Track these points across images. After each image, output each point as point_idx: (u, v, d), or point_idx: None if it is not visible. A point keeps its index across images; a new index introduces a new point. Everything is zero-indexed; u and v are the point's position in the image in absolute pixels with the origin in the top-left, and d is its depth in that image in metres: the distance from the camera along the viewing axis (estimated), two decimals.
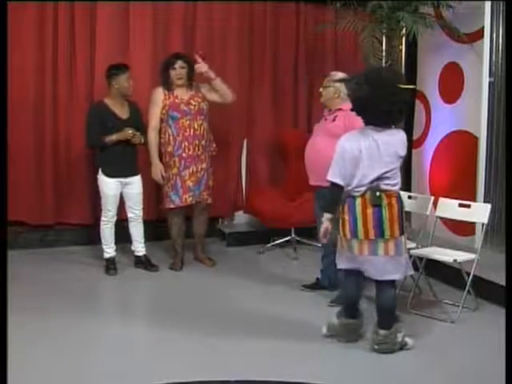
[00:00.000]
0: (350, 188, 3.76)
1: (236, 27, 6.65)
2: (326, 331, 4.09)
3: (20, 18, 5.87)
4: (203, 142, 5.53)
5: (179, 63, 5.44)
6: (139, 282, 5.34)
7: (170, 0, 6.38)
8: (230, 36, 6.64)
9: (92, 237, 6.17)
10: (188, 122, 5.44)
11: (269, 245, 6.41)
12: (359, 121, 4.37)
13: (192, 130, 5.46)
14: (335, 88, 4.74)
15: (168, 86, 5.47)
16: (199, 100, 5.51)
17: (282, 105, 6.96)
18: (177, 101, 5.45)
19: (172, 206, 5.52)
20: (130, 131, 5.23)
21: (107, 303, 5.00)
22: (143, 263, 5.57)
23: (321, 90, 4.85)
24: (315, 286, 5.04)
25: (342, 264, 3.95)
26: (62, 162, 6.23)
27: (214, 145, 5.70)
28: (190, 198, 5.49)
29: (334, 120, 4.74)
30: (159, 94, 5.50)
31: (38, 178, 6.14)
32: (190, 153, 5.46)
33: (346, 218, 3.77)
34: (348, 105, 4.70)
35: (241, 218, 6.89)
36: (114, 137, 5.20)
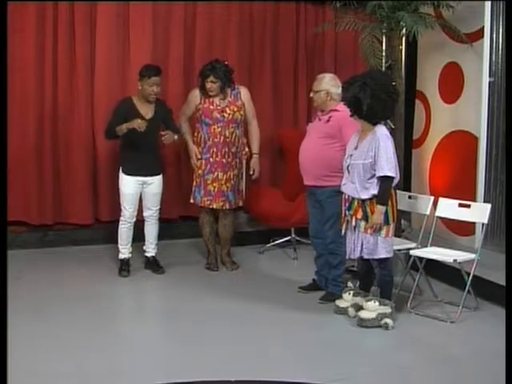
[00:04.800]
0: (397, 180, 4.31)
1: (236, 27, 6.65)
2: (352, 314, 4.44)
3: (20, 18, 5.87)
4: (233, 149, 5.48)
5: (210, 78, 5.35)
6: (145, 282, 5.33)
7: (170, 0, 6.38)
8: (230, 36, 6.64)
9: (92, 237, 6.19)
10: (219, 129, 5.42)
11: (269, 245, 6.41)
12: (354, 122, 4.42)
13: (223, 138, 5.42)
14: (326, 91, 4.76)
15: (204, 92, 5.45)
16: (235, 109, 5.46)
17: (282, 105, 6.95)
18: (211, 107, 5.42)
19: (192, 202, 5.57)
20: (145, 125, 5.04)
21: (108, 303, 4.97)
22: (150, 264, 5.54)
23: (311, 95, 4.88)
24: (311, 287, 5.04)
25: (391, 250, 4.35)
26: (62, 162, 6.23)
27: (247, 149, 5.65)
28: (208, 202, 5.48)
29: (328, 121, 4.74)
30: (194, 96, 5.51)
31: (38, 178, 6.13)
32: (218, 159, 5.44)
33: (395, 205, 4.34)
34: (342, 105, 4.73)
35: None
36: (123, 126, 5.05)
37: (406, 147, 6.11)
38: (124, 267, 5.39)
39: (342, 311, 4.49)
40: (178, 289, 5.13)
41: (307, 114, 6.99)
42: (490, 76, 5.65)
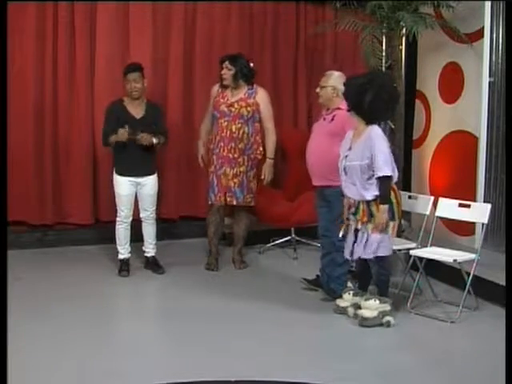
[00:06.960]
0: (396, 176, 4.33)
1: (236, 27, 6.65)
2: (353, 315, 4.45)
3: (20, 18, 5.87)
4: (240, 146, 5.44)
5: (225, 64, 5.40)
6: (145, 282, 5.33)
7: (170, 0, 6.38)
8: (230, 36, 6.64)
9: (92, 237, 6.19)
10: (226, 124, 5.42)
11: (269, 245, 6.41)
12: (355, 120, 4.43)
13: (229, 132, 5.41)
14: (333, 87, 4.75)
15: (221, 83, 5.48)
16: (243, 104, 5.42)
17: (282, 104, 6.94)
18: (222, 100, 5.44)
19: (209, 203, 5.55)
20: (126, 133, 5.09)
21: (108, 303, 4.97)
22: (150, 264, 5.54)
23: (318, 90, 4.86)
24: (314, 283, 5.02)
25: (390, 248, 4.39)
26: (62, 163, 6.24)
27: (261, 148, 5.57)
28: (223, 198, 5.47)
29: (332, 119, 4.74)
30: (213, 90, 5.57)
31: (38, 178, 6.13)
32: (224, 154, 5.43)
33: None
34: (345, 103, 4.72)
35: None
36: (112, 138, 5.17)
37: (406, 147, 6.11)
38: (124, 267, 5.39)
39: (342, 311, 4.50)
40: (178, 289, 5.12)
41: (307, 113, 7.00)
42: (490, 76, 5.65)
